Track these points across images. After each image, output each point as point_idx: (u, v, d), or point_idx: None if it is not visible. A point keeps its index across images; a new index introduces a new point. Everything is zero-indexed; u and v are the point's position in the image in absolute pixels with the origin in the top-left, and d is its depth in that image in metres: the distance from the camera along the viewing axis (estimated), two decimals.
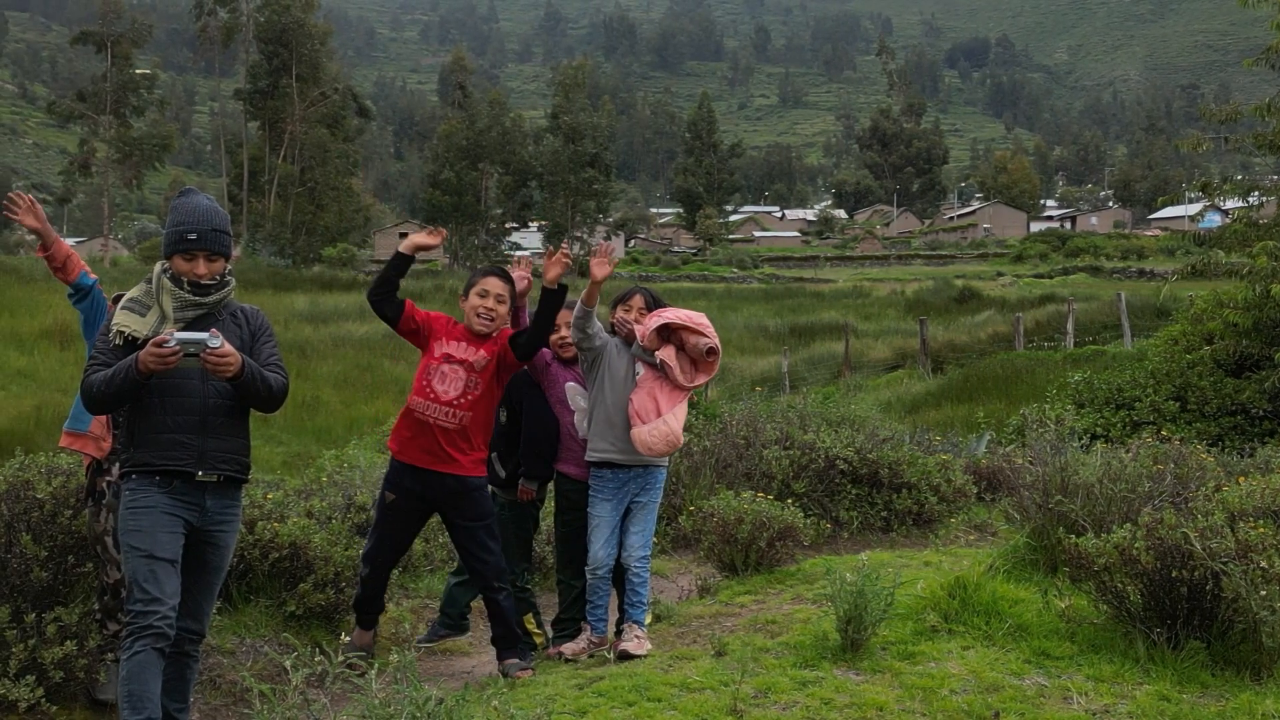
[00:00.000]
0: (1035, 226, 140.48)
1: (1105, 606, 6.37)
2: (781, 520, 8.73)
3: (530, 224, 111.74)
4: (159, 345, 4.89)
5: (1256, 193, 17.00)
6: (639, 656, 6.46)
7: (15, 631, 5.74)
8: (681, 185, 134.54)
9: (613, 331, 7.05)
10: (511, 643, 6.64)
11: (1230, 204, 18.51)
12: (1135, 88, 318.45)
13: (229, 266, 5.39)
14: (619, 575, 6.91)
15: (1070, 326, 33.01)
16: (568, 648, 6.82)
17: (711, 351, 6.82)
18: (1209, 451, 9.44)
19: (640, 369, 6.88)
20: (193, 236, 5.22)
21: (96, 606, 6.20)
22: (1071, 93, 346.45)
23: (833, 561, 8.75)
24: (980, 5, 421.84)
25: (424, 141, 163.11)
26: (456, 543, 6.79)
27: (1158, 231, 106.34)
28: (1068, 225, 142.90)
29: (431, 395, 6.51)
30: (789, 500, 9.62)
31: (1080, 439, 12.01)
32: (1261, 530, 6.04)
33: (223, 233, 5.30)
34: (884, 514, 11.40)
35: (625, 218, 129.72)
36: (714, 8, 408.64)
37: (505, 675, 6.46)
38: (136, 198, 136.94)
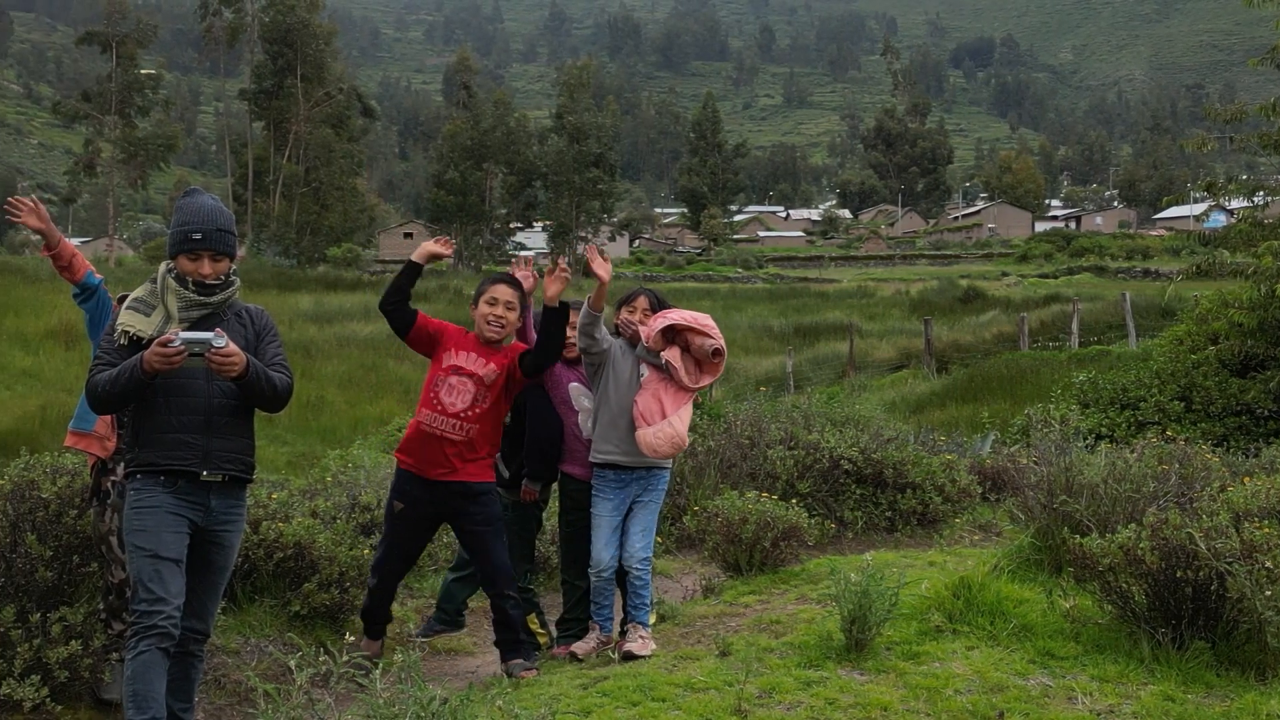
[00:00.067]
0: (1040, 226, 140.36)
1: (1110, 607, 6.36)
2: (786, 520, 8.73)
3: (535, 224, 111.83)
4: (164, 345, 4.89)
5: (1261, 192, 16.96)
6: (643, 657, 6.46)
7: (20, 631, 5.74)
8: (686, 185, 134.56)
9: (617, 333, 7.05)
10: (516, 648, 6.64)
11: (1235, 204, 18.49)
12: (1140, 87, 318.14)
13: (234, 266, 5.39)
14: (622, 576, 6.91)
15: (1075, 326, 32.97)
16: (578, 647, 6.82)
17: (717, 353, 6.81)
18: (1214, 451, 9.43)
19: (645, 370, 6.87)
20: (198, 236, 5.22)
21: (101, 606, 6.20)
22: (1076, 92, 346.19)
23: (837, 561, 8.74)
24: (985, 5, 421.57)
25: (429, 141, 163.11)
26: (466, 547, 6.80)
27: (1162, 231, 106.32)
28: (1072, 225, 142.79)
29: (439, 408, 6.51)
30: (793, 500, 9.61)
31: (1085, 439, 12.02)
32: (1266, 530, 6.03)
33: (227, 232, 5.31)
34: (888, 514, 11.39)
35: (630, 218, 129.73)
36: (719, 8, 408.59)
37: (510, 675, 6.46)
38: (141, 198, 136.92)
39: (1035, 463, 7.99)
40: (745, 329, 47.88)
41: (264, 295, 46.03)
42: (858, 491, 11.36)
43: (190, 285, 5.23)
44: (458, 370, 6.54)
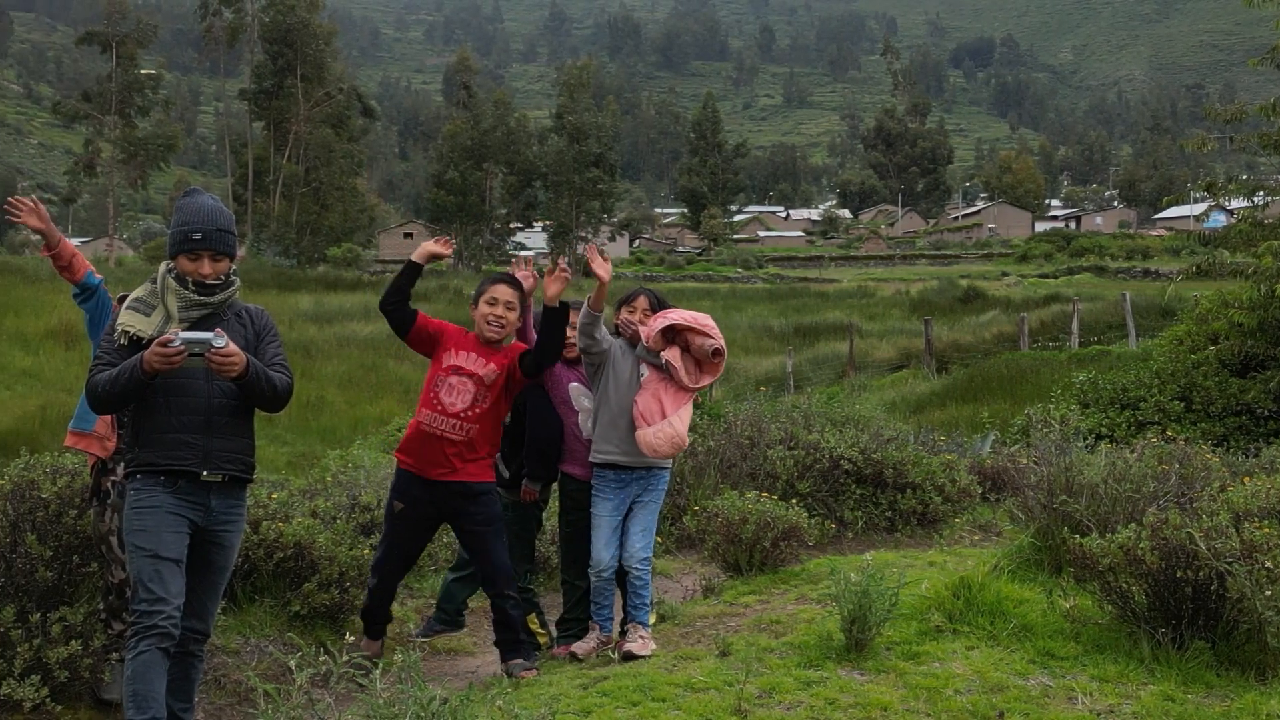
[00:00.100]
0: (1040, 226, 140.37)
1: (1110, 607, 6.36)
2: (786, 520, 8.72)
3: (535, 224, 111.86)
4: (164, 345, 4.89)
5: (1261, 192, 16.96)
6: (643, 656, 6.46)
7: (20, 631, 5.74)
8: (686, 185, 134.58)
9: (617, 333, 7.05)
10: (516, 648, 6.64)
11: (1235, 204, 18.48)
12: (1140, 87, 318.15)
13: (234, 266, 5.39)
14: (622, 576, 6.91)
15: (1075, 326, 32.97)
16: (578, 647, 6.81)
17: (717, 353, 6.80)
18: (1214, 451, 9.43)
19: (645, 370, 6.87)
20: (198, 236, 5.22)
21: (101, 606, 6.20)
22: (1076, 92, 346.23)
23: (837, 561, 8.74)
24: (985, 5, 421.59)
25: (429, 141, 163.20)
26: (466, 547, 6.80)
27: (1162, 231, 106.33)
28: (1072, 225, 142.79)
29: (439, 408, 6.51)
30: (793, 500, 9.61)
31: (1085, 439, 12.02)
32: (1266, 530, 6.03)
33: (227, 232, 5.31)
34: (888, 514, 11.39)
35: (630, 218, 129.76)
36: (719, 8, 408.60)
37: (510, 675, 6.46)
38: (141, 198, 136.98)
39: (1035, 463, 7.99)
40: (745, 329, 47.88)
41: (264, 295, 46.04)
42: (858, 491, 11.36)
43: (190, 285, 5.23)
44: (458, 370, 6.54)
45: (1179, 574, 6.01)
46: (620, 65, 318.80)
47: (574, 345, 6.99)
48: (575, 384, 7.12)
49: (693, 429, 10.57)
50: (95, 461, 6.27)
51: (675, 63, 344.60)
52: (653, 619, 7.13)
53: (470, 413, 6.50)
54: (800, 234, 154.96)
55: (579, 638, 6.98)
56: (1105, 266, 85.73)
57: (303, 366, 30.16)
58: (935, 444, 14.07)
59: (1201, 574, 5.99)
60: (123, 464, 5.77)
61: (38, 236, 6.05)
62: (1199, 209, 74.56)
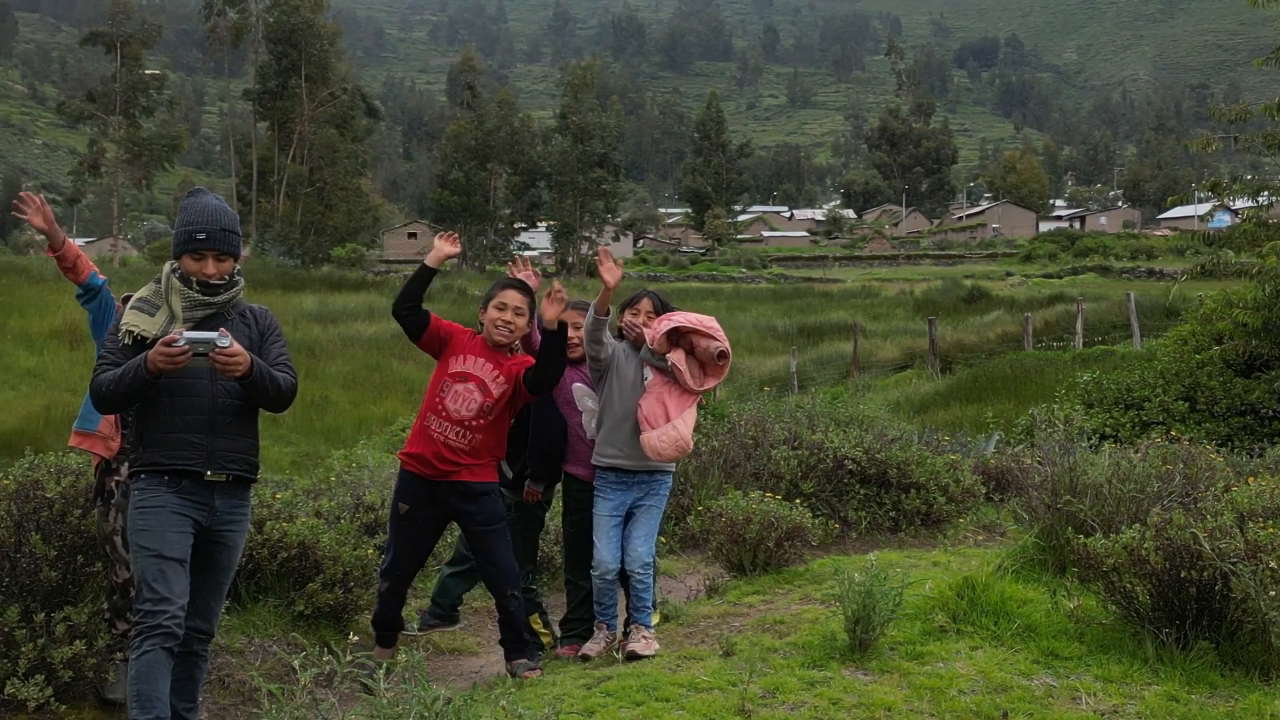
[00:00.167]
0: (1044, 226, 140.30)
1: (1114, 607, 6.36)
2: (789, 520, 8.72)
3: (539, 224, 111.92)
4: (168, 345, 4.89)
5: (1266, 192, 16.94)
6: (647, 657, 6.46)
7: (24, 631, 5.74)
8: (690, 185, 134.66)
9: (620, 335, 7.04)
10: (520, 648, 6.64)
11: (1240, 204, 18.43)
12: (1144, 87, 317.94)
13: (238, 266, 5.39)
14: (624, 576, 6.91)
15: (1079, 326, 32.93)
16: (588, 648, 6.80)
17: (722, 355, 6.79)
18: (1218, 451, 9.41)
19: (648, 373, 6.86)
20: (202, 236, 5.23)
21: (105, 606, 6.21)
22: (1081, 92, 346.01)
23: (841, 561, 8.74)
24: (989, 5, 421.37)
25: (432, 142, 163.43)
26: (471, 548, 6.80)
27: (1167, 231, 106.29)
28: (1077, 225, 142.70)
29: (444, 414, 6.52)
30: (797, 500, 9.61)
31: (1089, 439, 12.01)
32: (1271, 530, 6.02)
33: (232, 232, 5.31)
34: (892, 514, 11.38)
35: (633, 218, 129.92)
36: (723, 8, 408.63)
37: (513, 675, 6.46)
38: (146, 198, 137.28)
39: (1039, 463, 7.98)
40: (749, 329, 47.86)
41: (268, 295, 46.05)
42: (862, 491, 11.35)
43: (194, 285, 5.24)
44: (464, 377, 6.54)
45: (1183, 574, 6.01)
46: (624, 65, 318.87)
47: (578, 345, 6.98)
48: (579, 384, 7.11)
49: (697, 429, 10.56)
50: (99, 461, 6.27)
51: (679, 63, 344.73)
52: (656, 619, 7.13)
53: (475, 422, 6.51)
54: (804, 234, 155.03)
55: (583, 638, 6.98)
56: (1109, 266, 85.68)
57: (307, 366, 30.18)
58: (939, 444, 14.06)
59: (1206, 574, 5.98)
60: (127, 464, 5.77)
61: (42, 237, 6.06)
62: (1203, 209, 74.54)
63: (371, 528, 8.62)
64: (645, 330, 6.85)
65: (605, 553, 6.77)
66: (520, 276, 6.84)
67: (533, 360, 6.61)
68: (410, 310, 6.54)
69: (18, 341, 30.42)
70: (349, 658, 4.15)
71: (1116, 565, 6.22)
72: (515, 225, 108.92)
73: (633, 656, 6.47)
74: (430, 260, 6.51)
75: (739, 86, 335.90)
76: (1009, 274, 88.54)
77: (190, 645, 5.20)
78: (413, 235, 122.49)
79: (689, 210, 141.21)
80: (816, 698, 5.58)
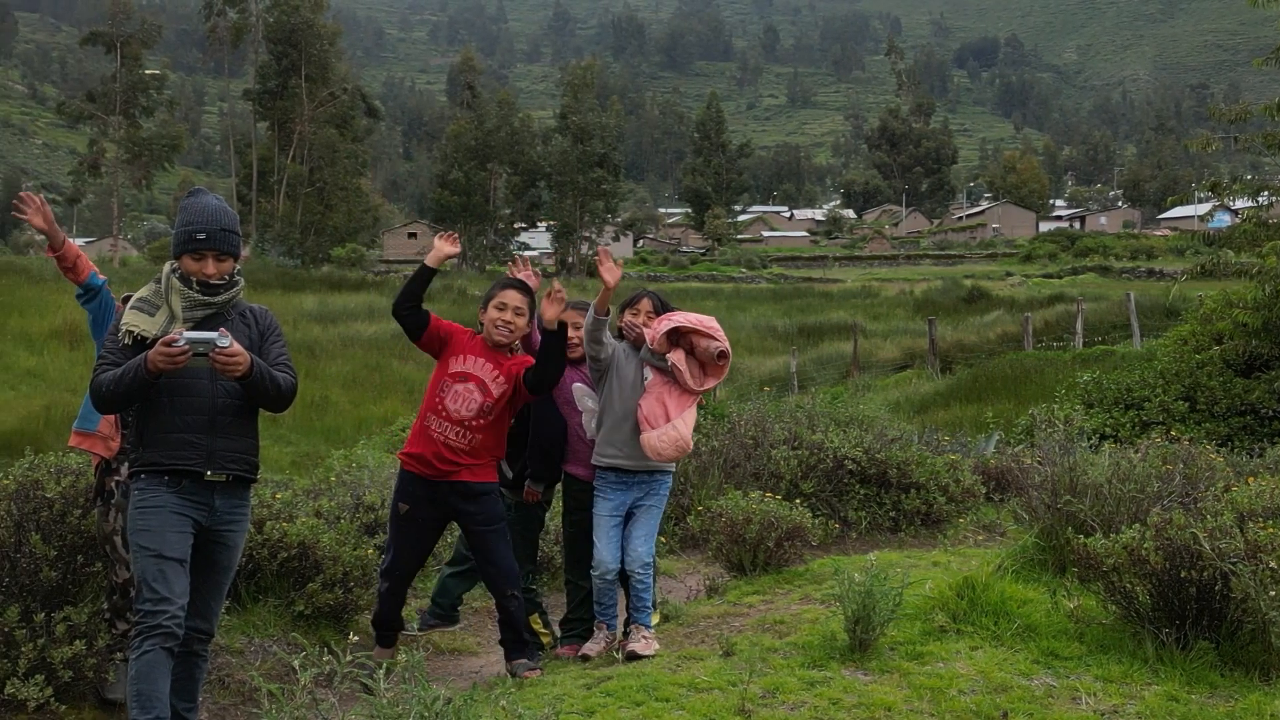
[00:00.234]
0: (1044, 226, 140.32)
1: (1114, 607, 6.36)
2: (789, 520, 8.72)
3: (539, 224, 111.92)
4: (168, 344, 4.89)
5: (1266, 192, 16.94)
6: (647, 657, 6.46)
7: (24, 631, 5.74)
8: (690, 185, 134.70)
9: (620, 335, 7.03)
10: (520, 648, 6.64)
11: (1240, 204, 18.43)
12: (1144, 87, 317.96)
13: (238, 266, 5.39)
14: (624, 576, 6.91)
15: (1079, 326, 32.93)
16: (589, 648, 6.80)
17: (722, 355, 6.78)
18: (1218, 451, 9.41)
19: (648, 374, 6.86)
20: (202, 236, 5.23)
21: (105, 606, 6.21)
22: (1081, 92, 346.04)
23: (841, 561, 8.74)
24: (989, 5, 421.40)
25: (432, 142, 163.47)
26: (470, 547, 6.80)
27: (1167, 231, 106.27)
28: (1077, 225, 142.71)
29: (444, 414, 6.52)
30: (797, 500, 9.61)
31: (1089, 439, 12.01)
32: (1271, 530, 6.02)
33: (232, 232, 5.31)
34: (892, 514, 11.38)
35: (633, 218, 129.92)
36: (723, 8, 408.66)
37: (513, 675, 6.47)
38: (146, 198, 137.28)
39: (1039, 463, 7.98)
40: (749, 329, 47.87)
41: (268, 295, 46.05)
42: (861, 491, 11.35)
43: (194, 285, 5.24)
44: (464, 377, 6.54)
45: (1183, 574, 6.01)
46: (624, 65, 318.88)
47: (578, 345, 6.98)
48: (579, 384, 7.11)
49: (697, 429, 10.56)
50: (99, 461, 6.27)
51: (679, 63, 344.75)
52: (656, 619, 7.13)
53: (475, 422, 6.51)
54: (804, 234, 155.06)
55: (583, 638, 6.98)
56: (1109, 266, 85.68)
57: (307, 366, 30.18)
58: (939, 444, 14.06)
59: (1206, 574, 5.98)
60: (127, 464, 5.77)
61: (42, 237, 6.06)
62: (1203, 209, 74.49)
63: (371, 528, 8.62)
64: (645, 330, 6.84)
65: (605, 552, 6.77)
66: (520, 276, 6.85)
67: (533, 360, 6.61)
68: (410, 310, 6.54)
69: (18, 341, 30.43)
70: (349, 658, 4.15)
71: (1116, 565, 6.22)
72: (515, 225, 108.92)
73: (633, 656, 6.47)
74: (430, 260, 6.51)
75: (739, 86, 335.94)
76: (1009, 274, 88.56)
77: (190, 645, 5.20)
78: (413, 235, 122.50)
79: (689, 210, 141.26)
80: (816, 698, 5.58)
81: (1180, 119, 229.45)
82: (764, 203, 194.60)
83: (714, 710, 5.38)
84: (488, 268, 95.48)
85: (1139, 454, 7.87)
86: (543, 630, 7.35)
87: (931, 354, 33.28)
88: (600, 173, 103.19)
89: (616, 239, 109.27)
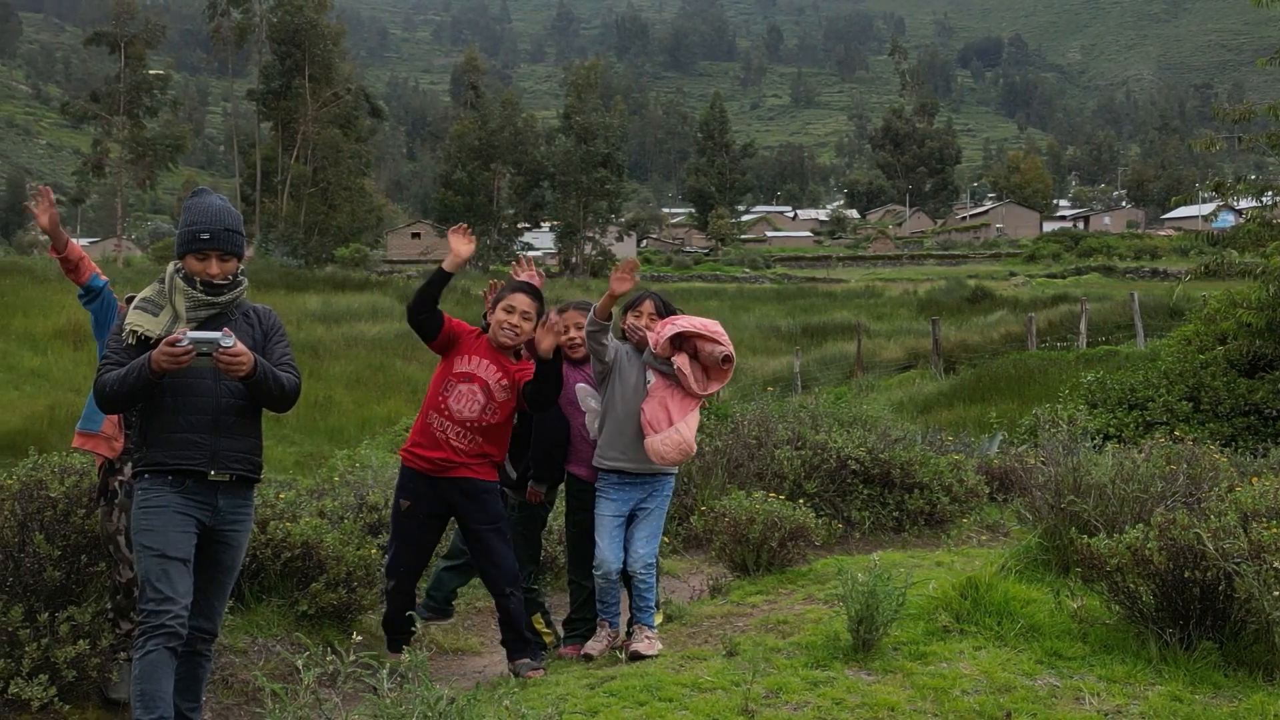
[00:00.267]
0: (1048, 226, 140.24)
1: (1117, 607, 6.35)
2: (793, 520, 8.71)
3: (542, 224, 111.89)
4: (172, 344, 4.89)
5: (1270, 192, 16.93)
6: (650, 657, 6.46)
7: (28, 630, 5.75)
8: (693, 185, 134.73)
9: (623, 337, 7.03)
10: (522, 646, 6.64)
11: (1244, 204, 18.43)
12: (1148, 87, 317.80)
13: (242, 266, 5.40)
14: (627, 576, 6.91)
15: (1083, 326, 32.91)
16: (590, 647, 6.80)
17: (726, 359, 6.77)
18: (1222, 452, 9.40)
19: (651, 377, 6.85)
20: (205, 236, 5.23)
21: (109, 606, 6.21)
22: (1085, 92, 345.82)
23: (844, 562, 8.73)
24: (993, 5, 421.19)
25: (436, 142, 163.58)
26: (470, 546, 6.80)
27: (1171, 231, 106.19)
28: (1081, 225, 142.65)
29: (447, 414, 6.53)
30: (801, 500, 9.60)
31: (1093, 439, 11.99)
32: (1275, 531, 6.01)
33: (235, 232, 5.31)
34: (896, 514, 11.37)
35: (637, 218, 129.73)
36: (726, 8, 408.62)
37: (516, 675, 6.47)
38: (150, 198, 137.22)
39: (1043, 463, 7.97)
40: (753, 329, 47.91)
41: (272, 295, 46.08)
42: (865, 491, 11.34)
43: (198, 285, 5.24)
44: (468, 378, 6.55)
45: (1187, 574, 6.00)
46: (628, 65, 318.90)
47: (580, 345, 6.98)
48: (582, 385, 7.11)
49: (700, 429, 10.56)
50: (103, 461, 6.28)
51: (683, 63, 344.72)
52: (659, 619, 7.13)
53: (477, 423, 6.52)
54: (808, 234, 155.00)
55: (586, 638, 6.97)
56: (1113, 266, 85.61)
57: (310, 366, 30.20)
58: (943, 444, 14.06)
59: (1209, 574, 5.98)
60: (130, 464, 5.78)
61: (46, 237, 6.07)
62: (1207, 209, 74.35)
63: (375, 528, 8.62)
64: (649, 334, 6.83)
65: (607, 552, 6.77)
66: (523, 277, 6.85)
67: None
68: (427, 315, 6.54)
69: (22, 341, 30.47)
70: (352, 657, 4.15)
71: (1120, 565, 6.21)
72: (519, 225, 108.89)
73: (636, 656, 6.47)
74: (448, 265, 6.50)
75: (743, 86, 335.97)
76: (1013, 274, 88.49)
77: (194, 645, 5.21)
78: (416, 235, 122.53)
79: (693, 210, 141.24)
80: (820, 698, 5.58)
81: (1184, 119, 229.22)
82: (768, 203, 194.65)
83: (717, 710, 5.38)
84: (491, 268, 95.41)
85: (1143, 454, 7.86)
86: (545, 630, 7.35)
87: (935, 354, 33.26)
88: (604, 173, 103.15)
89: (620, 239, 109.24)
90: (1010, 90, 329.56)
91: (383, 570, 7.04)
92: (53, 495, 6.30)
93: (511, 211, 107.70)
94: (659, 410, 6.72)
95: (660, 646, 6.62)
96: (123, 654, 6.03)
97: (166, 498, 5.10)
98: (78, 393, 23.07)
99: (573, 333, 6.99)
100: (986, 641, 6.33)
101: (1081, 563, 6.60)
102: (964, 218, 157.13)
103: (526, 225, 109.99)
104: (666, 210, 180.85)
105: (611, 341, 6.85)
